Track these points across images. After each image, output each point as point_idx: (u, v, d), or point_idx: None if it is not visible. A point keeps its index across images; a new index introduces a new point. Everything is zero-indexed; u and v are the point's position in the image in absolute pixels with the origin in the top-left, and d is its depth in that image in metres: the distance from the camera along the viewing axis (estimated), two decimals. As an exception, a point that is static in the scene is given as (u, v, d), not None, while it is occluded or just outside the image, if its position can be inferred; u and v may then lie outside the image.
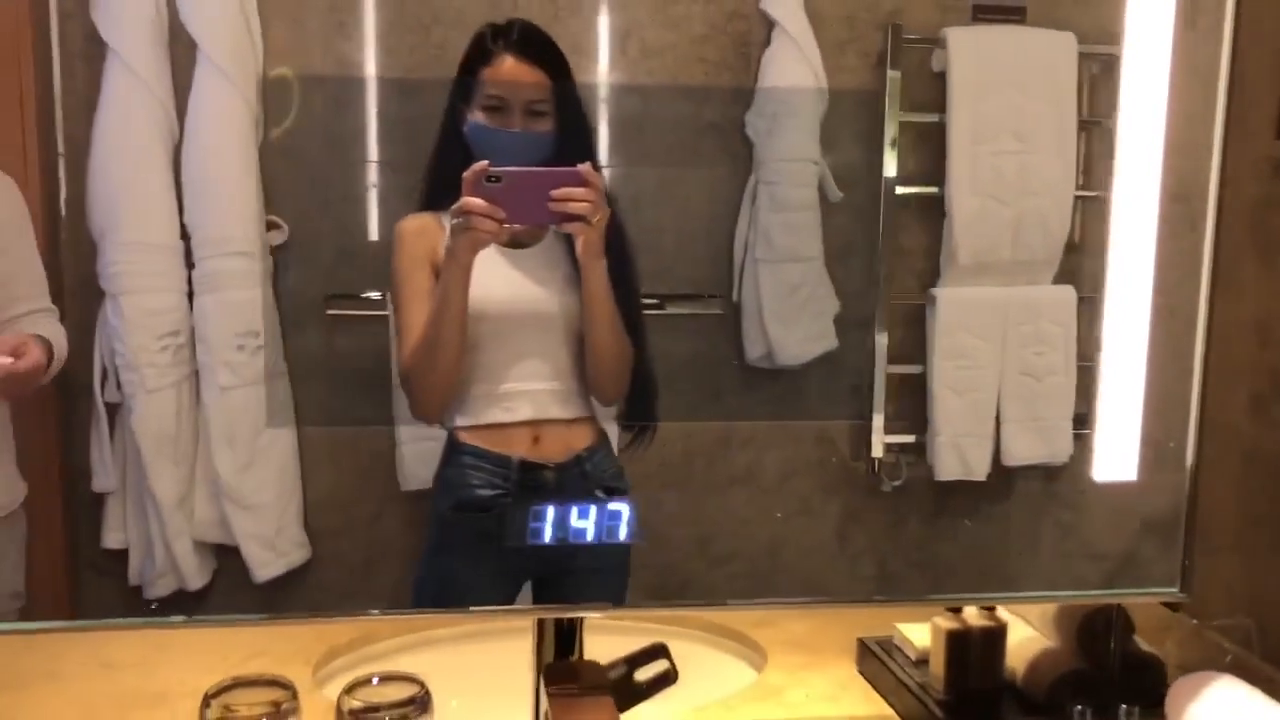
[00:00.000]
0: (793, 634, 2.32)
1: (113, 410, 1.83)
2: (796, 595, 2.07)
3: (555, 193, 1.59)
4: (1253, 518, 2.07)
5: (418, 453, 1.94)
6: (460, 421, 1.73)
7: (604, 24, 1.96)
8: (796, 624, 2.34)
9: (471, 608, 1.84)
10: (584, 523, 1.68)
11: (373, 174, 1.89)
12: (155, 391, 1.79)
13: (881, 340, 2.05)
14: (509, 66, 1.62)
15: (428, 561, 1.80)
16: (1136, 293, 1.84)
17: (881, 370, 2.05)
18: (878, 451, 2.07)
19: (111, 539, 1.87)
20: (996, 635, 1.95)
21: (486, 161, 1.57)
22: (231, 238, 1.81)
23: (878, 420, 2.05)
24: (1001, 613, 2.00)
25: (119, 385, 1.80)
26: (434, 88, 1.93)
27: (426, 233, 1.69)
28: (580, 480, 1.73)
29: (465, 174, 1.58)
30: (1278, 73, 1.94)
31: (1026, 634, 2.06)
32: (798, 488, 2.13)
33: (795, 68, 1.93)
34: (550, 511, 1.65)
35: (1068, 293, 2.01)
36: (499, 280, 1.72)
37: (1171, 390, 1.86)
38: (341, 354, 1.92)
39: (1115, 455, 2.00)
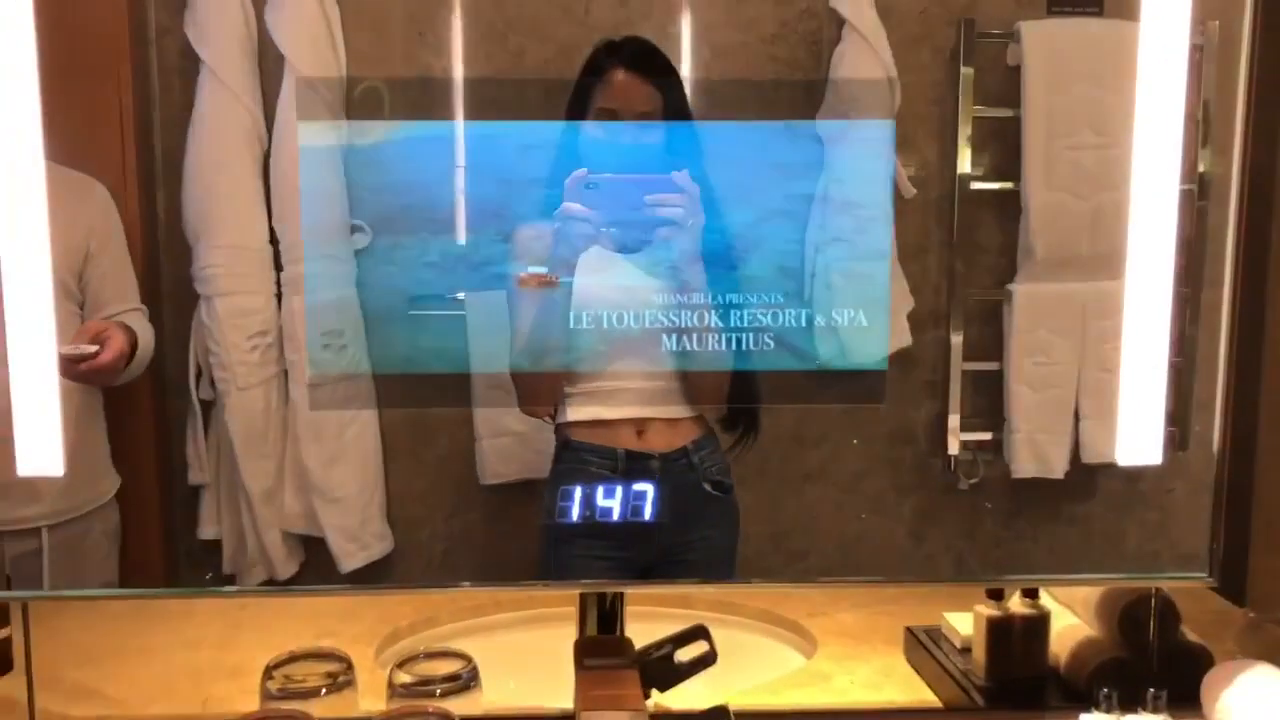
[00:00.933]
0: (844, 624, 2.33)
1: (207, 407, 1.93)
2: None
3: (649, 198, 1.64)
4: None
5: (497, 448, 1.99)
6: (567, 417, 1.78)
7: (675, 26, 1.99)
8: (848, 614, 2.34)
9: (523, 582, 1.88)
10: (610, 502, 1.72)
11: (460, 179, 1.94)
12: (246, 389, 1.88)
13: (957, 337, 2.03)
14: (621, 80, 1.68)
15: (545, 556, 1.85)
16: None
17: (957, 367, 2.04)
18: (954, 449, 2.05)
19: (207, 530, 1.96)
20: (1038, 623, 1.94)
21: (585, 169, 1.62)
22: (317, 241, 1.88)
23: (954, 418, 2.04)
24: (1046, 600, 1.98)
25: (213, 383, 1.89)
26: (514, 92, 1.99)
27: (541, 237, 1.74)
28: (687, 471, 1.77)
29: (567, 180, 1.64)
30: None
31: (1071, 622, 2.03)
32: (873, 485, 2.12)
33: (867, 64, 1.93)
34: (578, 491, 1.71)
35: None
36: (605, 282, 1.76)
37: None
38: (424, 352, 1.98)
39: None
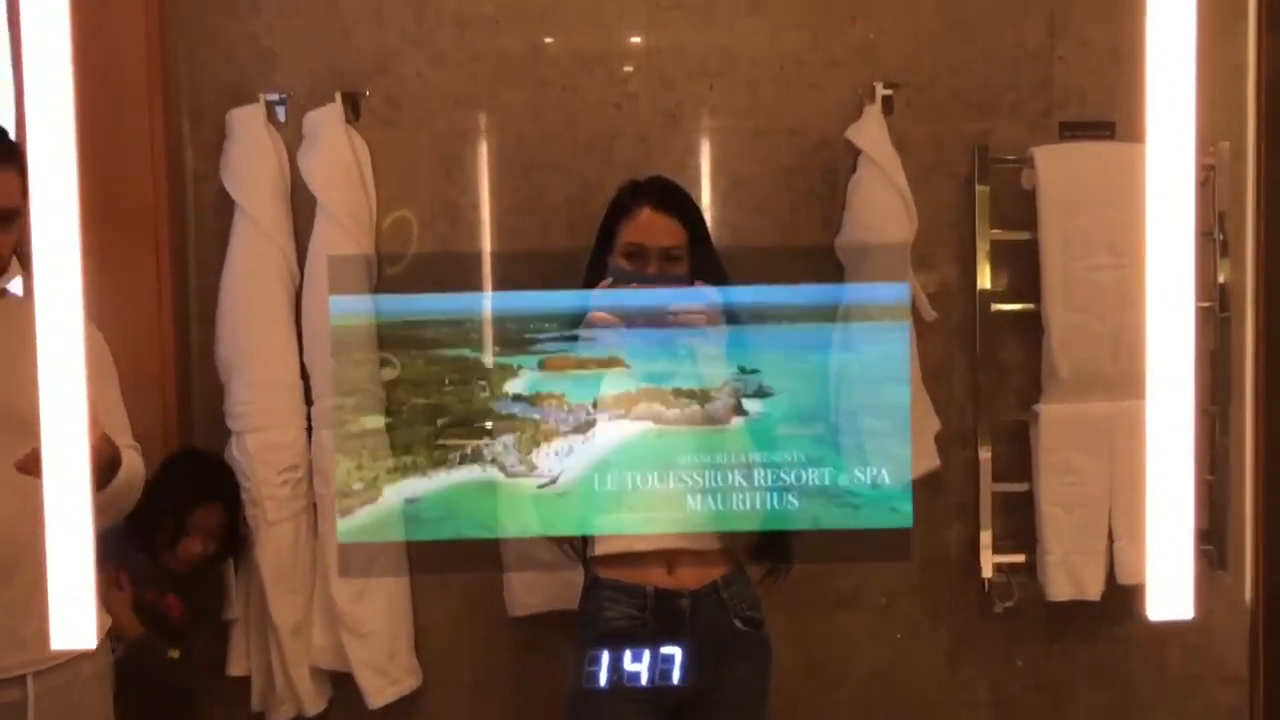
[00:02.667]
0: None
1: (237, 542, 1.93)
2: (908, 721, 2.03)
3: (673, 306, 1.67)
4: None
5: (523, 579, 1.98)
6: (595, 551, 1.76)
7: (695, 160, 2.04)
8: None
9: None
10: (637, 666, 1.70)
11: (497, 303, 1.97)
12: (276, 524, 1.89)
13: (985, 457, 2.02)
14: (646, 217, 1.72)
15: (574, 695, 1.81)
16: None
17: (987, 488, 2.03)
18: (987, 572, 2.02)
19: (236, 667, 1.95)
20: None
21: (611, 278, 1.66)
22: (348, 376, 1.91)
23: (985, 539, 2.02)
24: None
25: (244, 519, 1.90)
26: (537, 223, 2.04)
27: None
28: (718, 608, 1.74)
29: (594, 290, 1.67)
30: None
31: None
32: (906, 610, 2.09)
33: (882, 193, 1.96)
34: (605, 656, 1.68)
35: (1178, 405, 1.97)
36: (633, 416, 1.77)
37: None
38: (453, 480, 1.99)
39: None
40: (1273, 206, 1.66)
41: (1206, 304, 2.03)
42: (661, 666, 1.71)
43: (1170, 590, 1.21)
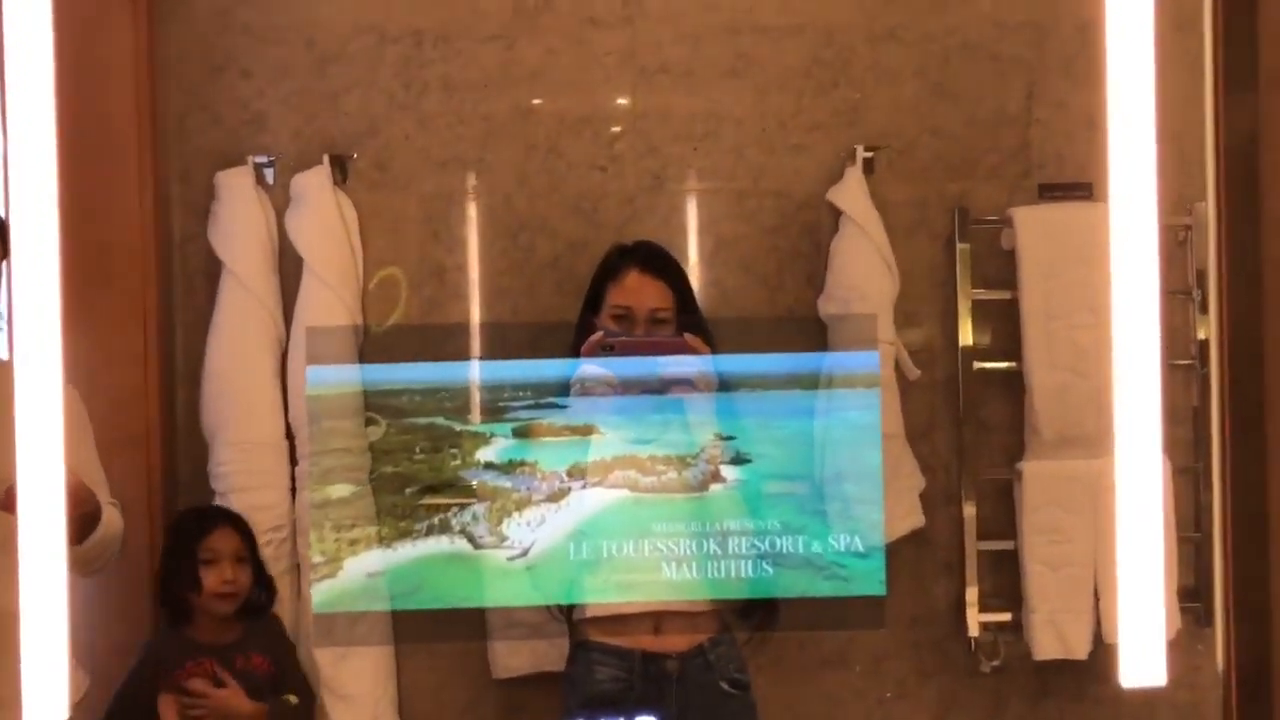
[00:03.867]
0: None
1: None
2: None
3: (664, 360, 1.68)
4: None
5: (508, 643, 1.97)
6: (585, 614, 1.75)
7: (681, 221, 2.07)
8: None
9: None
10: None
11: (475, 371, 1.97)
12: (259, 585, 1.87)
13: (970, 515, 2.03)
14: (634, 280, 1.74)
15: None
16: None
17: (972, 546, 2.03)
18: (973, 630, 2.02)
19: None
20: None
21: (602, 332, 1.67)
22: (333, 435, 1.91)
23: (971, 597, 2.01)
24: None
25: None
26: (524, 284, 2.05)
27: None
28: (704, 671, 1.73)
29: (584, 344, 1.68)
30: None
31: None
32: (893, 670, 2.08)
33: (864, 253, 1.99)
34: None
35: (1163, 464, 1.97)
36: (621, 478, 1.76)
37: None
38: (434, 544, 1.98)
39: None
40: (1238, 264, 1.68)
41: (1187, 361, 2.05)
42: None
43: (1143, 656, 1.21)
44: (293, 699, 1.82)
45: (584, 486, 1.63)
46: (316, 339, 1.80)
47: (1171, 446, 2.02)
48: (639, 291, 1.74)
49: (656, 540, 1.66)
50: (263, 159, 1.98)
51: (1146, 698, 2.08)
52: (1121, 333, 1.30)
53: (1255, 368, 1.98)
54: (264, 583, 1.85)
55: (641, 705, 1.68)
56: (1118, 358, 1.24)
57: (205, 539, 1.79)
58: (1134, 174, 1.29)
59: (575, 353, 1.68)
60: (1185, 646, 2.00)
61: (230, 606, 1.79)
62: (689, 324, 1.77)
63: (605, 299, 1.75)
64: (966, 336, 2.03)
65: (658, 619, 1.73)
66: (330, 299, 1.92)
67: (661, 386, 1.68)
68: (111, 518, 1.57)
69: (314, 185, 1.95)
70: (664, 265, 1.78)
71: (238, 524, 1.83)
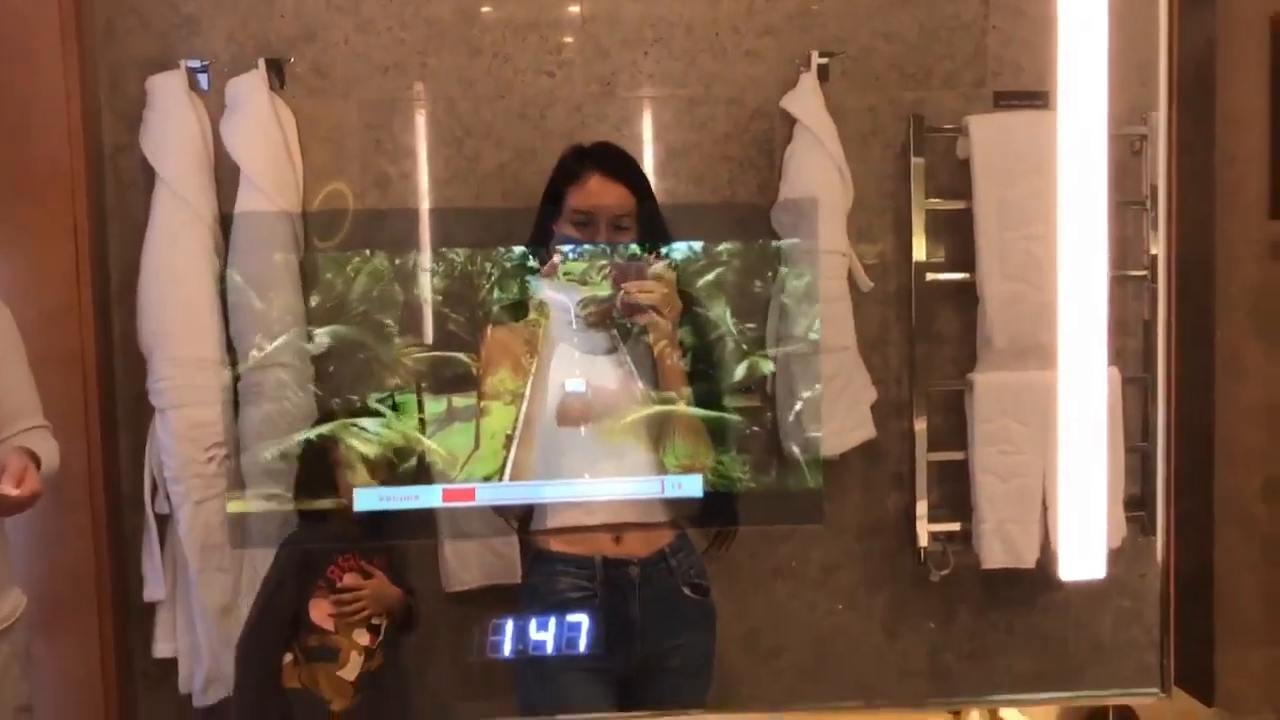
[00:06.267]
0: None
1: (163, 522, 1.89)
2: (847, 691, 2.04)
3: (627, 285, 1.65)
4: (1277, 605, 1.95)
5: (459, 552, 1.96)
6: (542, 525, 1.74)
7: (632, 130, 2.01)
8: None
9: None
10: (543, 635, 1.70)
11: (425, 285, 1.93)
12: (201, 502, 1.84)
13: (921, 427, 2.03)
14: (595, 184, 1.69)
15: (524, 666, 1.79)
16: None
17: (923, 458, 2.03)
18: (923, 541, 2.03)
19: (162, 649, 1.91)
20: None
21: (558, 257, 1.63)
22: (274, 350, 1.87)
23: (921, 509, 2.03)
24: (1009, 714, 1.92)
25: (168, 498, 1.86)
26: (470, 193, 2.00)
27: (515, 335, 1.72)
28: (667, 576, 1.73)
29: (543, 269, 1.64)
30: (1265, 153, 1.89)
31: None
32: (843, 580, 2.10)
33: (818, 162, 1.95)
34: (509, 625, 1.69)
35: (1111, 374, 1.98)
36: (576, 384, 1.74)
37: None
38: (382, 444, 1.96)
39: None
40: (1189, 175, 1.66)
41: (1140, 273, 2.04)
42: (611, 635, 1.70)
43: (1082, 553, 1.23)
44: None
45: (545, 383, 1.63)
46: (251, 226, 1.75)
47: (1122, 357, 2.04)
48: (600, 195, 1.69)
49: (619, 438, 1.67)
50: (196, 63, 1.90)
51: (1091, 603, 2.11)
52: (1069, 243, 1.28)
53: (1205, 281, 1.98)
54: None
55: (604, 611, 1.68)
56: (1064, 268, 1.23)
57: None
58: (1085, 80, 1.27)
59: (536, 242, 1.67)
60: (1130, 554, 2.03)
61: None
62: (650, 226, 1.73)
63: (565, 202, 1.70)
64: (920, 248, 2.01)
65: (618, 527, 1.72)
66: (268, 207, 1.86)
67: (625, 314, 1.66)
68: (49, 455, 1.54)
69: (250, 90, 1.87)
70: (625, 168, 1.73)
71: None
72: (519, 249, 1.73)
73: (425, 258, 1.88)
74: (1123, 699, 1.68)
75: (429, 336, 1.85)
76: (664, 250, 1.71)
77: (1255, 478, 1.97)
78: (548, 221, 1.71)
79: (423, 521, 1.90)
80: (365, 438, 1.73)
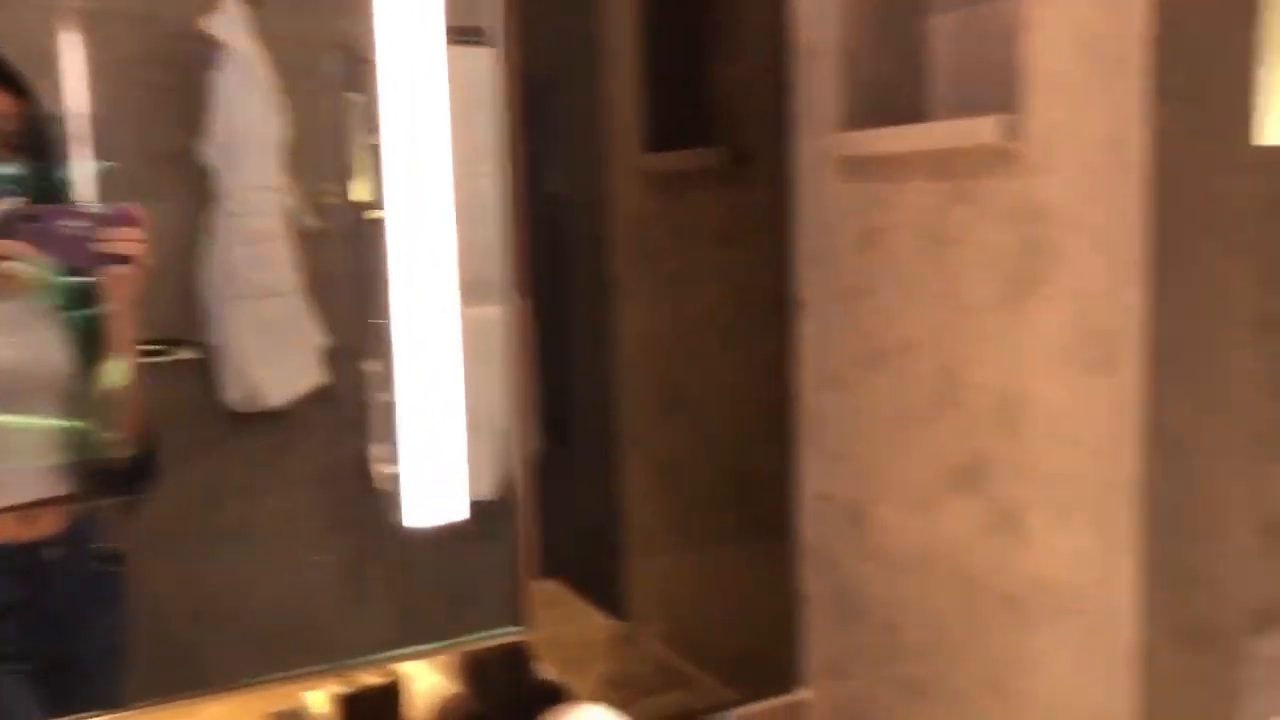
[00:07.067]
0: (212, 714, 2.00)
1: None
2: (306, 651, 1.97)
3: (102, 233, 1.47)
4: (669, 523, 2.11)
5: None
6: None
7: (14, 46, 1.75)
8: (216, 706, 1.99)
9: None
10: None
11: None
12: None
13: (371, 369, 1.98)
14: None
15: None
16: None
17: (374, 401, 1.98)
18: (380, 484, 2.00)
19: None
20: (390, 691, 1.97)
21: (23, 200, 1.40)
22: None
23: (375, 452, 1.99)
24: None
25: None
26: None
27: None
28: (76, 552, 1.55)
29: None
30: (634, 88, 1.99)
31: (437, 681, 2.07)
32: (301, 533, 2.01)
33: (248, 92, 1.82)
34: None
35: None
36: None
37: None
38: None
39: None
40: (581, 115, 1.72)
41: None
42: (22, 627, 1.52)
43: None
44: None
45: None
46: None
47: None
48: None
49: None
50: None
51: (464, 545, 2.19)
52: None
53: (599, 212, 2.05)
54: None
55: (14, 602, 1.50)
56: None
57: None
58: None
59: None
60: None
61: None
62: (41, 135, 1.53)
63: None
64: (360, 186, 1.94)
65: (30, 508, 1.53)
66: None
67: (97, 264, 1.47)
68: None
69: None
70: (4, 71, 1.52)
71: None
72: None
73: None
74: (476, 644, 1.70)
75: None
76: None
77: (652, 398, 2.10)
78: None
79: None
80: None
